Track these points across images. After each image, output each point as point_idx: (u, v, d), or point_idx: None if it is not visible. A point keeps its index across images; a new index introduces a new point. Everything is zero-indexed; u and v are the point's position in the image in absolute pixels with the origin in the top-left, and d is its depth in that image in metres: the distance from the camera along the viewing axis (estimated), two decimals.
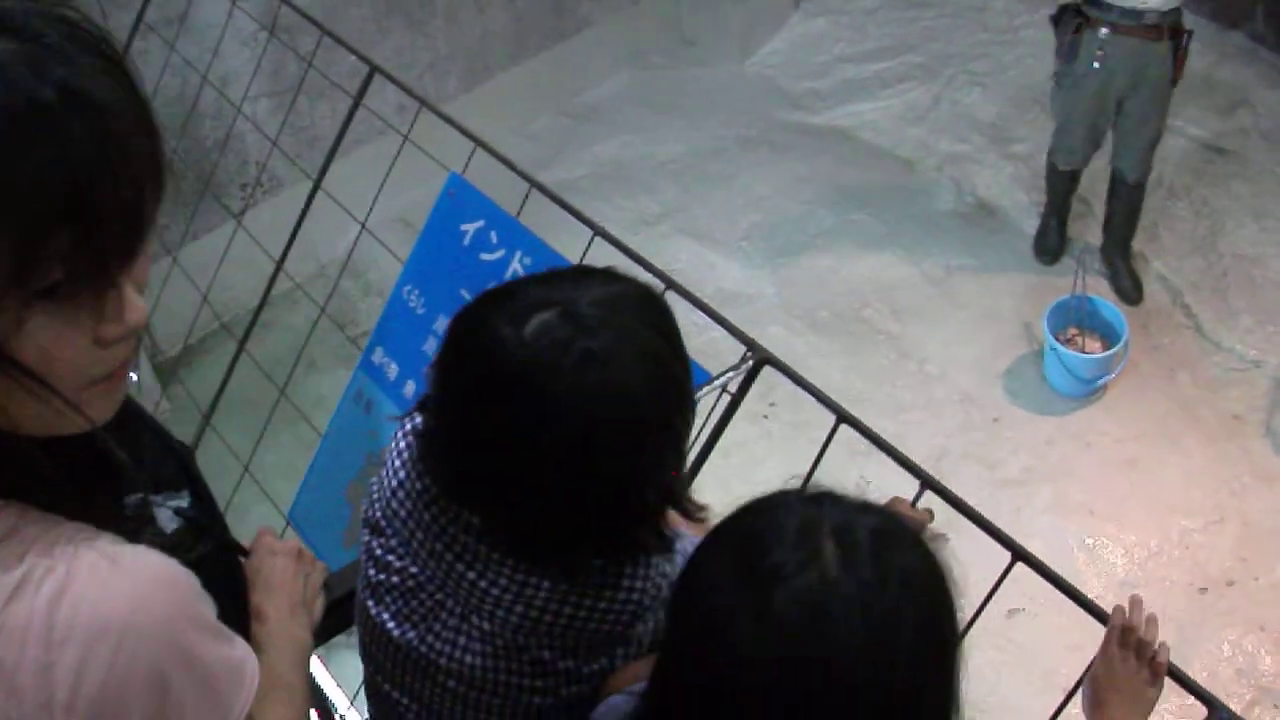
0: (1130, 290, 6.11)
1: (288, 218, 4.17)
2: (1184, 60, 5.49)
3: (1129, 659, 2.32)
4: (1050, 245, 6.32)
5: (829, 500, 1.63)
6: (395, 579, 2.15)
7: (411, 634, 2.15)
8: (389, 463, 2.19)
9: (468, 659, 2.09)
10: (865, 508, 1.64)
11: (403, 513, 2.11)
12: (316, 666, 3.73)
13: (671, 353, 1.93)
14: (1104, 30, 5.38)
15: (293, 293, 5.58)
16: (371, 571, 2.20)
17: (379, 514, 2.17)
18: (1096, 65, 5.45)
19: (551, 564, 1.98)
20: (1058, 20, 5.56)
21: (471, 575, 2.02)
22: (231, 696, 1.44)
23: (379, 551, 2.17)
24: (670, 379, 1.92)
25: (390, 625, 2.18)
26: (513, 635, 2.03)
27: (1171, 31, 5.40)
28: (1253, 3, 7.07)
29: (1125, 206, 6.00)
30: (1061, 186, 6.15)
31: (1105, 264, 6.20)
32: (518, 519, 1.94)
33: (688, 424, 1.99)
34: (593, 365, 1.81)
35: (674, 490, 2.00)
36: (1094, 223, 6.32)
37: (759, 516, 1.64)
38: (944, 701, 1.60)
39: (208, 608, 1.43)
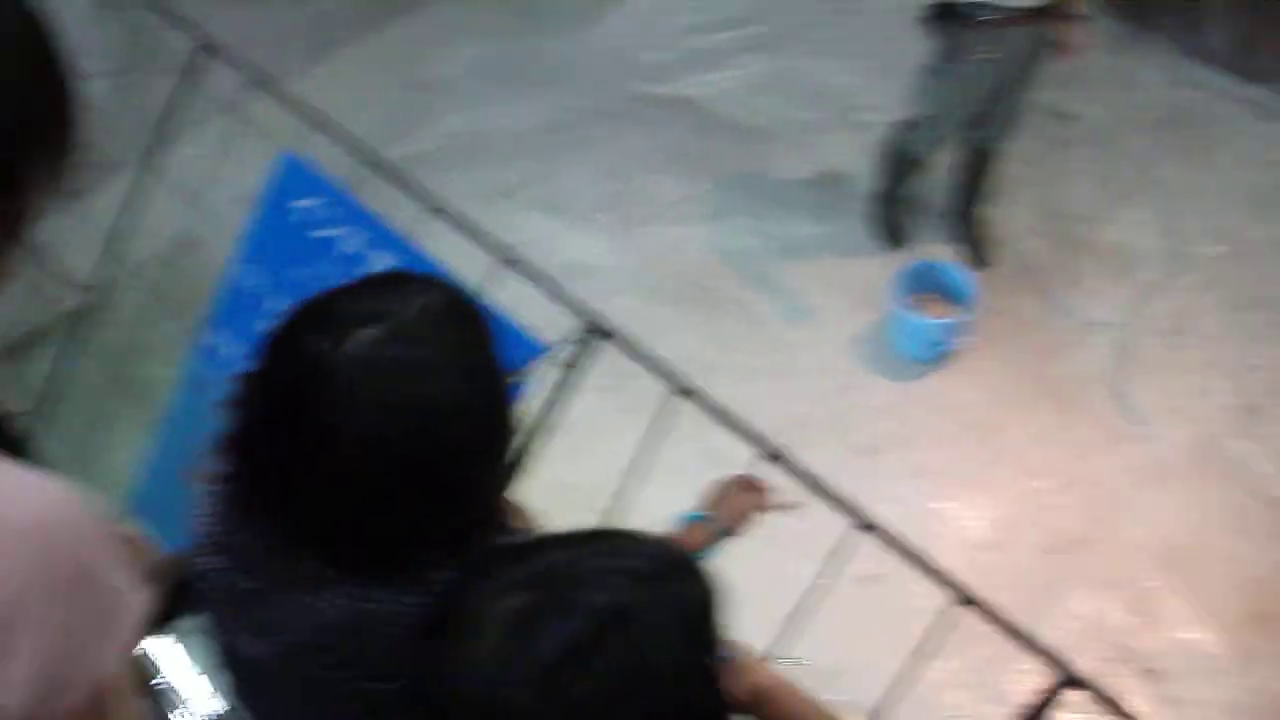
0: (977, 256, 6.14)
1: (124, 199, 4.08)
2: (1068, 42, 5.38)
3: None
4: (895, 224, 6.29)
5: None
6: (228, 595, 2.10)
7: (255, 648, 2.11)
8: (210, 486, 2.13)
9: (314, 672, 2.05)
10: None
11: (229, 536, 2.06)
12: (170, 653, 3.66)
13: (490, 364, 1.93)
14: (988, 28, 5.24)
15: (130, 277, 5.47)
16: (207, 588, 2.15)
17: (206, 530, 2.12)
18: (984, 62, 5.35)
19: (394, 573, 1.96)
20: (936, 19, 5.34)
21: (301, 586, 1.98)
22: (113, 627, 1.44)
23: (212, 572, 2.12)
24: (492, 391, 1.93)
25: (233, 639, 2.14)
26: (348, 646, 2.00)
27: (1055, 14, 5.28)
28: None
29: (976, 174, 6.00)
30: (908, 174, 6.11)
31: (951, 230, 6.22)
32: (351, 537, 1.89)
33: (509, 434, 1.98)
34: (413, 380, 1.80)
35: (496, 501, 1.98)
36: (936, 187, 6.33)
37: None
38: None
39: (107, 536, 1.44)
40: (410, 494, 1.84)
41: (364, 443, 1.79)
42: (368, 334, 1.79)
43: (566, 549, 1.70)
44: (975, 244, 6.14)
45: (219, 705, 3.57)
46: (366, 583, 1.95)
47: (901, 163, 6.06)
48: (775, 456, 2.61)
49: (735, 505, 2.70)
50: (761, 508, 2.74)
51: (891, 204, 6.25)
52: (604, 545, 1.71)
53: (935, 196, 6.32)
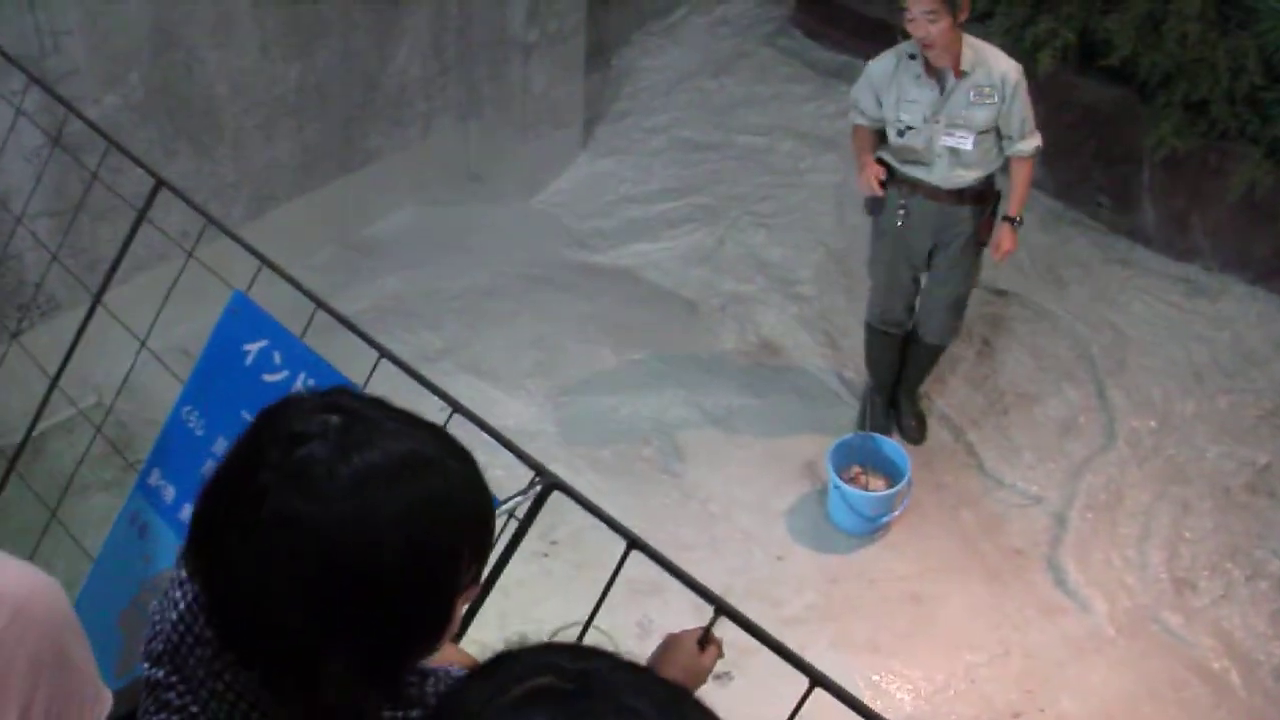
0: (914, 431, 6.16)
1: (64, 340, 4.05)
2: (991, 222, 5.52)
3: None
4: (878, 423, 6.18)
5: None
6: (175, 718, 2.04)
7: None
8: (170, 591, 2.08)
9: None
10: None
11: (184, 648, 2.00)
12: None
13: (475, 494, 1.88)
14: (906, 189, 5.42)
15: (68, 421, 5.43)
16: (151, 710, 2.09)
17: (160, 646, 2.06)
18: (899, 223, 5.49)
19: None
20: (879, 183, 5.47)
21: (255, 716, 1.93)
22: (87, 712, 1.51)
23: (160, 689, 2.06)
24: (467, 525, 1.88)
25: None
26: None
27: (976, 196, 5.45)
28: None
29: (921, 361, 6.05)
30: (884, 354, 6.07)
31: (890, 405, 6.23)
32: (292, 667, 1.85)
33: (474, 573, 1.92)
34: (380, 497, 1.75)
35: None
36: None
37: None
38: None
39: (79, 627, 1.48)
40: (352, 632, 1.79)
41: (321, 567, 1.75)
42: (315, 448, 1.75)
43: (600, 659, 1.62)
44: (913, 419, 6.17)
45: None
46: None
47: (873, 341, 6.06)
48: (725, 611, 2.57)
49: (695, 663, 2.64)
50: (712, 665, 2.69)
51: (874, 395, 6.23)
52: (628, 667, 1.64)
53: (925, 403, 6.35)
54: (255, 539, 1.72)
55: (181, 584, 2.05)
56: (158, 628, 2.08)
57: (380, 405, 1.85)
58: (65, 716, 1.42)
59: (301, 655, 1.80)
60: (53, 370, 4.07)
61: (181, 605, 2.02)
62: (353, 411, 1.80)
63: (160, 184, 3.73)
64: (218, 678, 1.95)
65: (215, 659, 1.95)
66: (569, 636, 2.82)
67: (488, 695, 1.45)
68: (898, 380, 6.17)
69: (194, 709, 2.01)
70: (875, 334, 6.01)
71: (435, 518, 1.80)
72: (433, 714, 1.59)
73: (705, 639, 2.59)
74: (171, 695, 2.03)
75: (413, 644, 1.87)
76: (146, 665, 2.10)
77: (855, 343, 6.35)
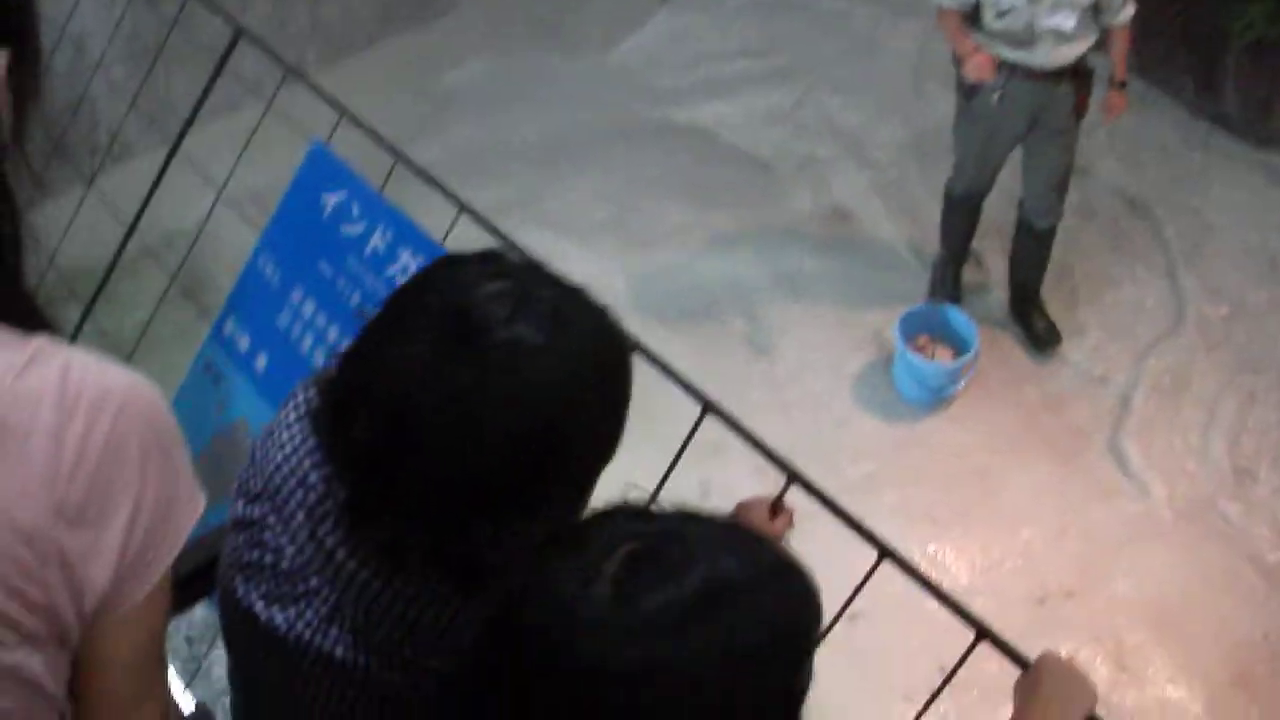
0: (1046, 335, 6.00)
1: (138, 187, 4.05)
2: (1087, 99, 5.42)
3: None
4: (948, 293, 6.13)
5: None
6: (269, 558, 2.05)
7: (280, 618, 2.06)
8: (276, 432, 2.10)
9: (337, 651, 2.01)
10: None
11: (285, 489, 2.02)
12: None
13: (623, 359, 1.93)
14: (1004, 72, 5.29)
15: (143, 267, 5.44)
16: (243, 547, 2.11)
17: (260, 485, 2.08)
18: (995, 106, 5.37)
19: (450, 578, 1.93)
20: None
21: (351, 565, 1.95)
22: (187, 509, 1.51)
23: (255, 529, 2.08)
24: (620, 383, 1.93)
25: (258, 607, 2.09)
26: (386, 634, 1.96)
27: (1075, 73, 5.33)
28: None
29: (1030, 253, 5.92)
30: (961, 224, 5.98)
31: (1014, 314, 6.10)
32: (435, 530, 1.86)
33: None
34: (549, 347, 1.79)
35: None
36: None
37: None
38: None
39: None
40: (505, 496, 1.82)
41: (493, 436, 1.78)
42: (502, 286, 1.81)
43: (688, 520, 1.64)
44: (1042, 325, 6.02)
45: (190, 703, 3.55)
46: (432, 577, 1.93)
47: (950, 209, 5.98)
48: (797, 479, 2.58)
49: (765, 531, 2.64)
50: (783, 531, 2.69)
51: (952, 265, 6.16)
52: (729, 529, 1.65)
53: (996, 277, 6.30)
54: (471, 400, 1.75)
55: (289, 426, 2.07)
56: (258, 465, 2.11)
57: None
58: (171, 512, 1.47)
59: (457, 514, 1.84)
60: (127, 217, 4.07)
61: (288, 448, 2.04)
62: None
63: (240, 32, 3.71)
64: (319, 523, 1.97)
65: (318, 505, 1.98)
66: (636, 499, 2.85)
67: (580, 576, 1.47)
68: (966, 253, 6.12)
69: (289, 550, 2.03)
70: (955, 206, 5.93)
71: (618, 363, 1.92)
72: (519, 593, 1.60)
73: (776, 507, 2.61)
74: (267, 535, 2.05)
75: (572, 507, 1.90)
76: (240, 503, 2.13)
77: (928, 212, 6.30)
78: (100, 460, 1.38)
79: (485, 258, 1.92)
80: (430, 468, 1.79)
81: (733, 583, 1.53)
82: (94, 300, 4.23)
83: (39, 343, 1.42)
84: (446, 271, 1.91)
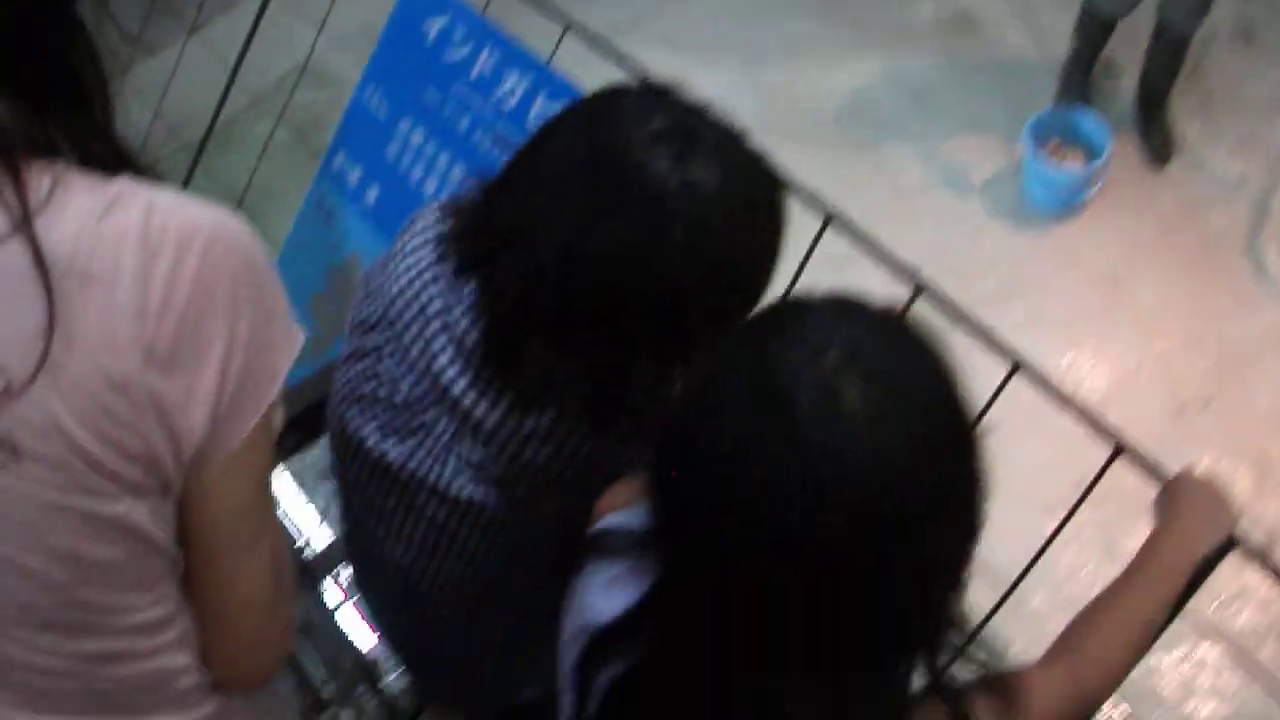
0: (1161, 149, 5.80)
1: (241, 31, 4.01)
2: None
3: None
4: (1079, 95, 5.90)
5: (840, 309, 1.52)
6: (384, 390, 2.04)
7: (395, 451, 2.05)
8: (394, 262, 2.06)
9: (454, 487, 1.99)
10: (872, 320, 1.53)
11: (406, 317, 1.99)
12: (282, 481, 3.64)
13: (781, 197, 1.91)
14: None
15: (252, 112, 5.43)
16: (357, 380, 2.09)
17: (377, 315, 2.05)
18: None
19: (587, 409, 1.91)
20: None
21: (468, 401, 1.92)
22: (284, 347, 1.49)
23: (370, 359, 2.06)
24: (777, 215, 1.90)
25: (373, 440, 2.08)
26: (505, 468, 1.94)
27: None
28: None
29: (1166, 58, 5.66)
30: (1097, 38, 5.78)
31: (1138, 117, 5.88)
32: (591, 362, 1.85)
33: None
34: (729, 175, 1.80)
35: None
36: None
37: (763, 330, 1.52)
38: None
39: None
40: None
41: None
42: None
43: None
44: (1161, 137, 5.81)
45: (328, 534, 3.56)
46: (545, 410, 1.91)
47: (1091, 23, 5.75)
48: (925, 289, 2.51)
49: None
50: None
51: (1082, 68, 5.94)
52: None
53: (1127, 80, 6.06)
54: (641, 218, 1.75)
55: (407, 255, 2.04)
56: (372, 293, 2.08)
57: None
58: (266, 349, 1.44)
59: (620, 357, 1.83)
60: (232, 61, 4.04)
61: (405, 278, 2.01)
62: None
63: None
64: (438, 355, 1.94)
65: (438, 336, 1.95)
66: None
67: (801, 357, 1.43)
68: (1098, 55, 5.90)
69: (405, 381, 2.01)
70: (1096, 24, 5.72)
71: (778, 201, 1.92)
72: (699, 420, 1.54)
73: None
74: (383, 367, 2.03)
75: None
76: (355, 335, 2.10)
77: (1057, 15, 6.11)
78: (189, 299, 1.35)
79: (640, 92, 1.89)
80: (594, 312, 1.79)
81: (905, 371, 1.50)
82: (202, 148, 4.21)
83: (120, 185, 1.38)
84: (602, 108, 1.87)
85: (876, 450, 1.38)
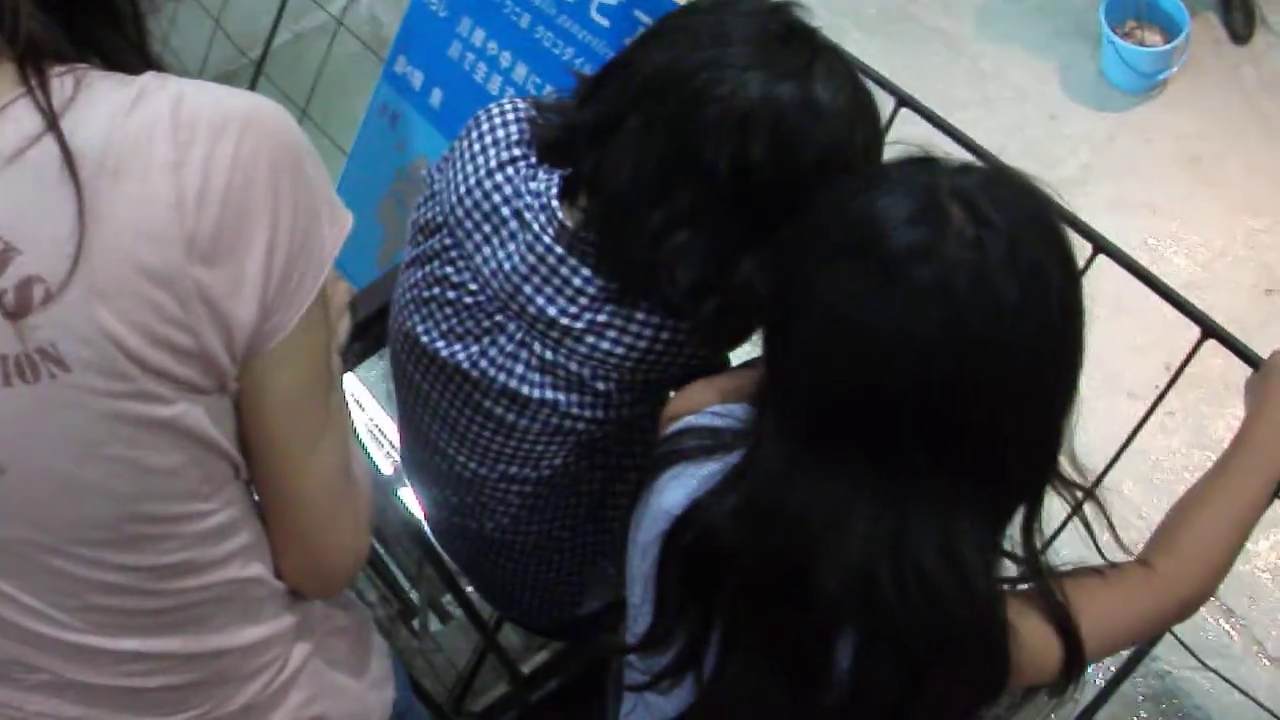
0: (1242, 25, 5.63)
1: None
2: None
3: None
4: None
5: (930, 162, 1.57)
6: (450, 293, 2.02)
7: (461, 354, 2.03)
8: (459, 164, 2.03)
9: (524, 388, 1.97)
10: (967, 166, 1.57)
11: (470, 223, 1.96)
12: (351, 381, 3.63)
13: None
14: None
15: (321, 24, 5.39)
16: (422, 284, 2.07)
17: (441, 217, 2.03)
18: None
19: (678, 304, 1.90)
20: None
21: (541, 300, 1.89)
22: (330, 230, 1.45)
23: (434, 263, 2.03)
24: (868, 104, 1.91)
25: (438, 344, 2.06)
26: (578, 368, 1.91)
27: None
28: None
29: None
30: None
31: None
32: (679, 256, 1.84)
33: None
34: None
35: None
36: None
37: (866, 193, 1.55)
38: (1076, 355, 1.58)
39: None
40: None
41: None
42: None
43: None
44: (1240, 13, 5.62)
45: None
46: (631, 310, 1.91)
47: None
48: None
49: None
50: None
51: None
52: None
53: None
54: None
55: (474, 157, 2.01)
56: (435, 198, 2.05)
57: None
58: (312, 232, 1.40)
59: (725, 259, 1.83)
60: None
61: (473, 179, 1.99)
62: None
63: None
64: (506, 257, 1.92)
65: (510, 239, 1.93)
66: None
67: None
68: None
69: (472, 286, 1.98)
70: None
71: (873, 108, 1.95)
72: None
73: None
74: (449, 270, 2.00)
75: None
76: (418, 238, 2.08)
77: None
78: (228, 185, 1.31)
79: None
80: (696, 201, 1.79)
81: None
82: (262, 59, 4.18)
83: (146, 79, 1.34)
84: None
85: (1022, 307, 1.46)
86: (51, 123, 1.27)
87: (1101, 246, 2.29)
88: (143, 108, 1.30)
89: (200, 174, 1.29)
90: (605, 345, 1.90)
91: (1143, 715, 3.80)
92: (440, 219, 2.03)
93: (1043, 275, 1.47)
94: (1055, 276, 1.49)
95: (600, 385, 1.95)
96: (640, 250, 1.83)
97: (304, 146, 1.40)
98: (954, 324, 1.43)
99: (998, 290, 1.43)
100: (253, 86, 4.25)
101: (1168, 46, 5.34)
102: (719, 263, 1.81)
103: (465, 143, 2.05)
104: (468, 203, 1.96)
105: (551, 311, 1.90)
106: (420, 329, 2.08)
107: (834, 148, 1.78)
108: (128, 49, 1.42)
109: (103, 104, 1.30)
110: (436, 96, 3.44)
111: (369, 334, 2.43)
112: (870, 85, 2.49)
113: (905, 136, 2.52)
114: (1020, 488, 1.62)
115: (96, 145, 1.27)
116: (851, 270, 1.48)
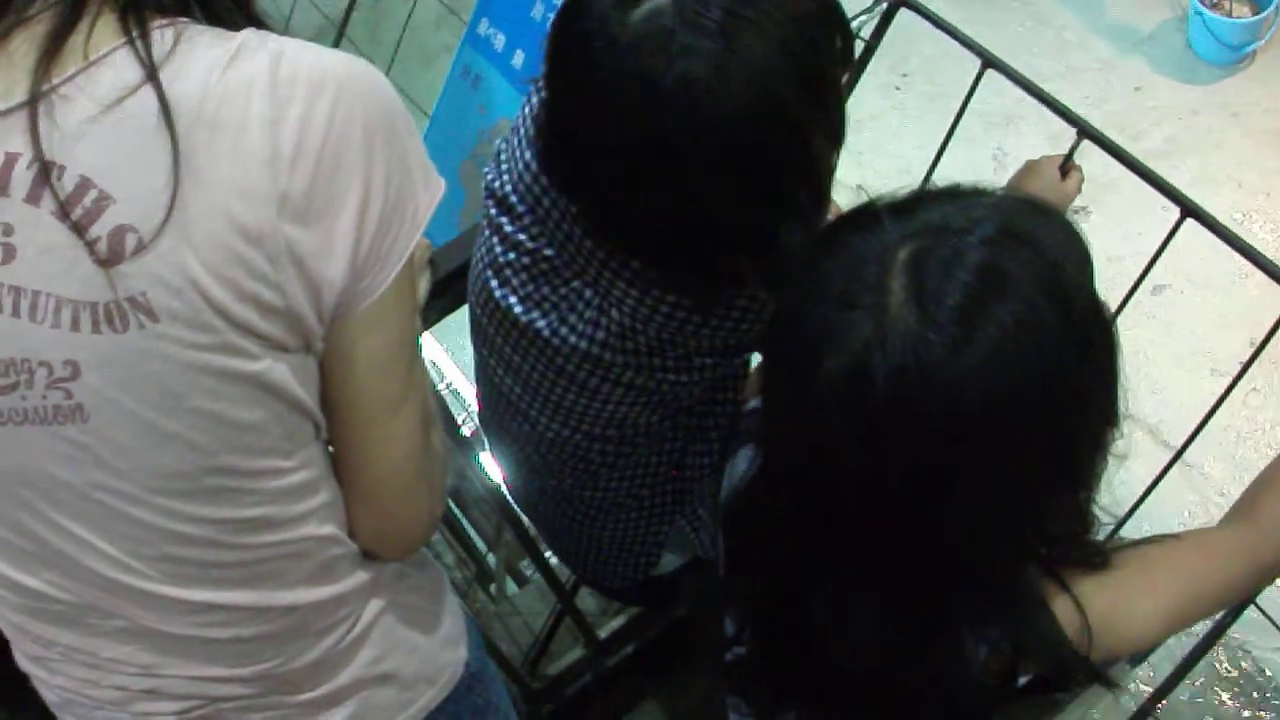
0: None
1: None
2: None
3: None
4: None
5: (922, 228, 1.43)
6: (526, 259, 2.01)
7: (541, 321, 2.02)
8: (518, 135, 2.03)
9: (606, 354, 1.97)
10: (975, 222, 1.42)
11: (537, 189, 1.96)
12: (430, 343, 3.64)
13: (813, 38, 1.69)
14: None
15: None
16: (499, 249, 2.06)
17: (509, 188, 2.02)
18: None
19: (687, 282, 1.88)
20: None
21: (614, 264, 1.88)
22: (423, 194, 1.45)
23: (509, 229, 2.03)
24: (813, 67, 1.69)
25: (517, 309, 2.05)
26: (656, 333, 1.91)
27: None
28: None
29: None
30: None
31: None
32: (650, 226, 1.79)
33: (833, 109, 1.78)
34: (719, 59, 1.60)
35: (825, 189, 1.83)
36: None
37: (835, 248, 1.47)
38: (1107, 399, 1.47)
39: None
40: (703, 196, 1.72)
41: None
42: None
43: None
44: None
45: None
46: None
47: None
48: (1089, 135, 2.41)
49: (1056, 189, 2.52)
50: (1075, 193, 2.56)
51: None
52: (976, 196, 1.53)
53: None
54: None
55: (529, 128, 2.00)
56: (504, 169, 2.05)
57: None
58: (405, 195, 1.41)
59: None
60: None
61: (529, 152, 1.97)
62: None
63: None
64: (575, 223, 1.91)
65: (575, 214, 1.91)
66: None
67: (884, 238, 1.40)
68: None
69: (548, 252, 1.98)
70: None
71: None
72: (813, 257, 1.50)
73: (1066, 166, 2.51)
74: (523, 238, 2.00)
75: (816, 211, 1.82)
76: (491, 203, 2.07)
77: None
78: (323, 145, 1.32)
79: None
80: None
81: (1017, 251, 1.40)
82: (346, 20, 4.19)
83: (245, 35, 1.34)
84: None
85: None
86: (151, 73, 1.28)
87: (1190, 210, 2.24)
88: (242, 63, 1.30)
89: (296, 132, 1.30)
90: (681, 314, 1.90)
91: (1223, 697, 3.76)
92: (507, 188, 2.02)
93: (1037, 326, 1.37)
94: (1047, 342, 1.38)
95: (679, 350, 1.95)
96: (656, 233, 1.79)
97: (399, 109, 1.41)
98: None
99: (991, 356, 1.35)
100: (336, 45, 4.27)
101: (1256, 18, 5.27)
102: (730, 225, 1.77)
103: (528, 109, 2.04)
104: (534, 169, 1.96)
105: (620, 287, 1.90)
106: (499, 291, 2.08)
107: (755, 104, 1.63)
108: (230, 4, 1.43)
109: (202, 57, 1.30)
110: (519, 58, 3.44)
111: (449, 291, 2.43)
112: (955, 47, 2.47)
113: (988, 109, 2.50)
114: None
115: (194, 98, 1.28)
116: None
